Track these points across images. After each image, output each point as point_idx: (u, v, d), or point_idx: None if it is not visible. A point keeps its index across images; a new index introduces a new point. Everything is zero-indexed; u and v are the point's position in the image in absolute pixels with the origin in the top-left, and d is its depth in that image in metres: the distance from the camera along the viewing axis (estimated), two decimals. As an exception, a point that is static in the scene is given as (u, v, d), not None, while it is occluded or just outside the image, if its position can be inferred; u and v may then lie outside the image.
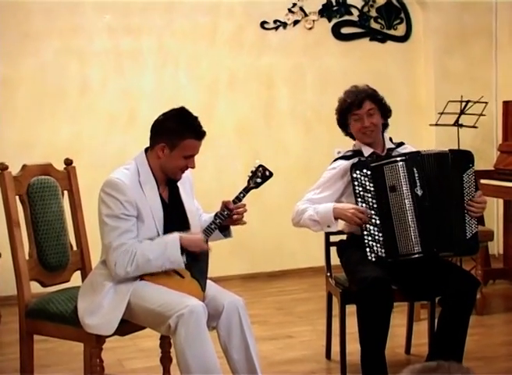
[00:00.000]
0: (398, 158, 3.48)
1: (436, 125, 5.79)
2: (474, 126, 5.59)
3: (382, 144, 3.73)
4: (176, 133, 3.12)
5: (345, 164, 3.66)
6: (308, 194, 3.73)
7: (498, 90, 6.53)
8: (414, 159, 3.48)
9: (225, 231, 3.39)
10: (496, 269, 5.69)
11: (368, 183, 3.50)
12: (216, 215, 3.28)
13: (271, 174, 3.32)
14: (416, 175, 3.45)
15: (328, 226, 3.60)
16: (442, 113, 5.68)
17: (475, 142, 6.35)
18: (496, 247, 6.46)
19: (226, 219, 3.28)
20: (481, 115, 5.57)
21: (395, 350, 4.14)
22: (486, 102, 5.62)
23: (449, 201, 3.48)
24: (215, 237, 3.34)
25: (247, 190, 3.29)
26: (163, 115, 3.20)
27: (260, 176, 3.31)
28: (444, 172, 3.49)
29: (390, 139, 3.80)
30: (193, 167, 3.23)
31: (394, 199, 3.46)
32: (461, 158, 3.53)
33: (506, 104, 5.65)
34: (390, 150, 3.71)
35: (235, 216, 3.29)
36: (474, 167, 3.53)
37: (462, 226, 3.48)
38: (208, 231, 3.22)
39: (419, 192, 3.46)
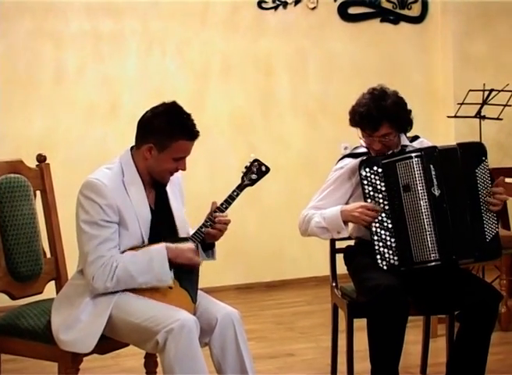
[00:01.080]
0: (413, 154, 3.47)
1: (455, 117, 5.79)
2: (498, 118, 5.59)
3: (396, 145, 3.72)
4: (167, 133, 3.10)
5: (353, 163, 3.65)
6: (313, 200, 3.73)
7: (525, 77, 6.53)
8: (431, 155, 3.47)
9: (208, 250, 3.37)
10: (523, 278, 5.69)
11: (378, 183, 3.50)
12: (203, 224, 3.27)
13: (267, 170, 3.31)
14: (433, 173, 3.45)
15: (339, 233, 3.59)
16: (462, 104, 5.68)
17: (499, 136, 6.36)
18: (523, 254, 6.46)
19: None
20: (506, 105, 5.57)
21: (409, 370, 4.14)
22: (512, 91, 5.63)
23: (465, 202, 3.48)
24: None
25: (241, 187, 3.29)
26: (152, 111, 3.18)
27: (255, 171, 3.30)
28: (457, 169, 3.48)
29: (416, 137, 3.79)
30: (183, 169, 3.21)
31: (408, 200, 3.46)
32: (472, 152, 3.53)
33: (533, 93, 5.66)
34: (404, 146, 3.70)
35: (212, 231, 3.25)
36: (487, 160, 3.52)
37: (480, 228, 3.48)
38: (196, 237, 3.21)
39: (436, 192, 3.45)
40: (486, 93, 5.56)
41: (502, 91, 5.57)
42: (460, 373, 3.42)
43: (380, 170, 3.50)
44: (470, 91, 5.68)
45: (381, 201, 3.49)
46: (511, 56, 6.56)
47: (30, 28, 5.67)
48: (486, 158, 3.52)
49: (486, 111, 5.61)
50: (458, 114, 5.72)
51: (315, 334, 4.91)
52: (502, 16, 6.53)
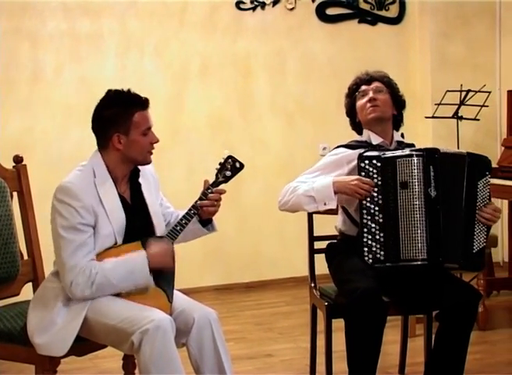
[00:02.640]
0: (414, 153, 3.49)
1: (433, 117, 5.81)
2: (475, 119, 5.62)
3: (390, 137, 3.76)
4: (120, 114, 3.13)
5: (350, 153, 3.67)
6: (302, 177, 3.69)
7: (502, 78, 6.57)
8: (432, 157, 3.49)
9: (207, 224, 3.37)
10: (501, 278, 5.71)
11: (376, 176, 3.50)
12: (184, 215, 3.25)
13: (241, 166, 3.30)
14: (432, 174, 3.46)
15: (325, 204, 3.55)
16: (439, 104, 5.70)
17: (477, 136, 6.39)
18: (501, 254, 6.50)
19: (196, 215, 3.25)
20: (483, 106, 5.60)
21: (387, 370, 4.16)
22: (489, 92, 5.66)
23: (460, 208, 3.50)
24: (199, 232, 3.35)
25: (214, 185, 3.28)
26: (96, 109, 3.21)
27: (229, 168, 3.29)
28: (459, 176, 3.51)
29: (402, 135, 3.83)
30: (156, 141, 3.21)
31: (404, 197, 3.46)
32: (478, 164, 3.56)
33: (511, 93, 5.68)
34: (399, 143, 3.73)
35: (210, 209, 3.26)
36: (490, 176, 3.55)
37: (470, 237, 3.50)
38: (172, 234, 3.20)
39: (432, 193, 3.47)
40: (463, 93, 5.58)
41: (479, 91, 5.60)
42: (439, 373, 3.43)
43: (379, 164, 3.50)
44: (447, 91, 5.70)
45: (375, 194, 3.49)
46: (488, 57, 6.60)
47: (7, 28, 5.64)
48: (490, 173, 3.57)
49: (463, 111, 5.63)
50: (436, 114, 5.74)
51: (294, 335, 4.91)
52: (479, 16, 6.56)
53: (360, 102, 3.74)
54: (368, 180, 3.49)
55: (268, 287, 6.21)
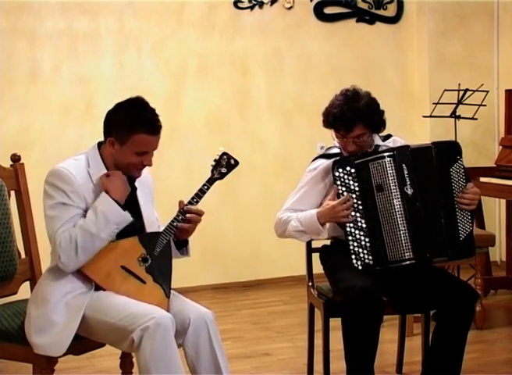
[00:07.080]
0: (385, 154, 3.50)
1: (431, 117, 5.82)
2: (473, 118, 5.63)
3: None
4: (125, 127, 3.12)
5: (326, 163, 3.66)
6: (287, 203, 3.73)
7: (500, 77, 6.57)
8: (403, 154, 3.49)
9: (182, 248, 3.36)
10: (498, 277, 5.73)
11: (352, 183, 3.52)
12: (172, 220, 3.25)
13: (236, 163, 3.31)
14: (405, 172, 3.47)
15: (318, 234, 3.60)
16: (437, 103, 5.71)
17: (474, 135, 6.40)
18: (498, 253, 6.51)
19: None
20: (481, 105, 5.61)
21: (385, 369, 4.16)
22: (487, 91, 5.66)
23: (439, 200, 3.50)
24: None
25: (210, 181, 3.29)
26: (116, 105, 3.21)
27: (224, 165, 3.30)
28: (430, 167, 3.50)
29: (388, 136, 3.81)
30: (149, 165, 3.21)
31: (381, 200, 3.48)
32: (447, 151, 3.54)
33: (508, 93, 5.69)
34: (378, 146, 3.72)
35: (185, 225, 3.22)
36: (462, 159, 3.53)
37: (454, 226, 3.49)
38: (166, 233, 3.19)
39: (409, 191, 3.48)
40: (461, 93, 5.59)
41: (477, 90, 5.61)
42: (437, 372, 3.44)
43: (353, 171, 3.52)
44: (445, 90, 5.71)
45: (355, 201, 3.51)
46: (486, 56, 6.61)
47: (4, 27, 5.63)
48: (461, 156, 3.53)
49: (461, 111, 5.64)
50: (433, 114, 5.75)
51: (291, 334, 4.91)
52: (477, 16, 6.57)
53: (339, 141, 3.61)
54: (344, 198, 3.48)
55: (265, 286, 6.21)
